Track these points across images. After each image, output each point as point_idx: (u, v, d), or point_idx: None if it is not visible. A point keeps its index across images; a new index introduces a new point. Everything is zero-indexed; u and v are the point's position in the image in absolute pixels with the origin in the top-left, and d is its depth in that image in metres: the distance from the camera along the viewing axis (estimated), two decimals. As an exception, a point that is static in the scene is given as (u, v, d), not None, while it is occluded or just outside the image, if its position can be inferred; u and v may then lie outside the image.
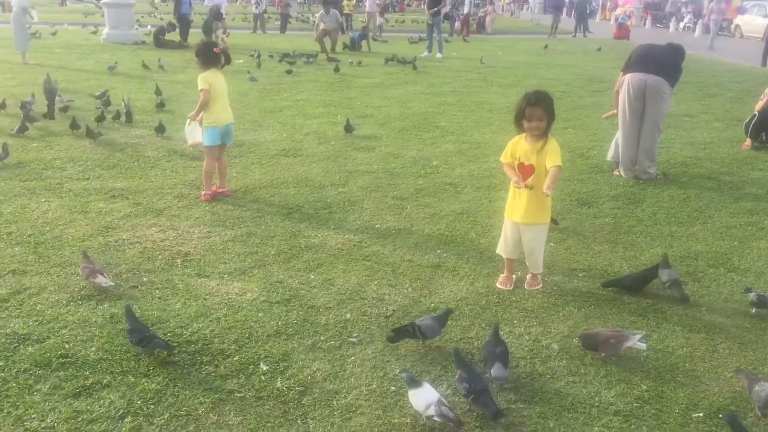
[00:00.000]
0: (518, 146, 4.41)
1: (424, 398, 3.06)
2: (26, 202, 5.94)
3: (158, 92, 11.02)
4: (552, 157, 4.23)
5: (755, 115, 8.72)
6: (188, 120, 6.30)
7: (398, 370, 3.44)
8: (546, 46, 22.68)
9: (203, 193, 6.26)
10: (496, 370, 3.35)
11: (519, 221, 4.46)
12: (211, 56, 6.14)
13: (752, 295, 4.20)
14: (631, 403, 3.32)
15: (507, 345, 3.59)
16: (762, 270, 4.93)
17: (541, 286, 4.59)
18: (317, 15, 19.86)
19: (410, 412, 3.17)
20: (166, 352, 3.55)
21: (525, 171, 4.37)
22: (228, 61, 6.32)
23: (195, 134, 6.35)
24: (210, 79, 6.07)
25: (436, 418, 2.98)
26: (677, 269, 4.68)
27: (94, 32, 22.59)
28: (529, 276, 4.63)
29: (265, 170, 7.23)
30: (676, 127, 9.73)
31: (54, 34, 21.51)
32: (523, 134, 4.39)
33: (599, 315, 4.20)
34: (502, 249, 4.65)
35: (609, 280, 4.62)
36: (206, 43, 6.42)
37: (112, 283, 4.31)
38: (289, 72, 14.81)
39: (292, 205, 6.13)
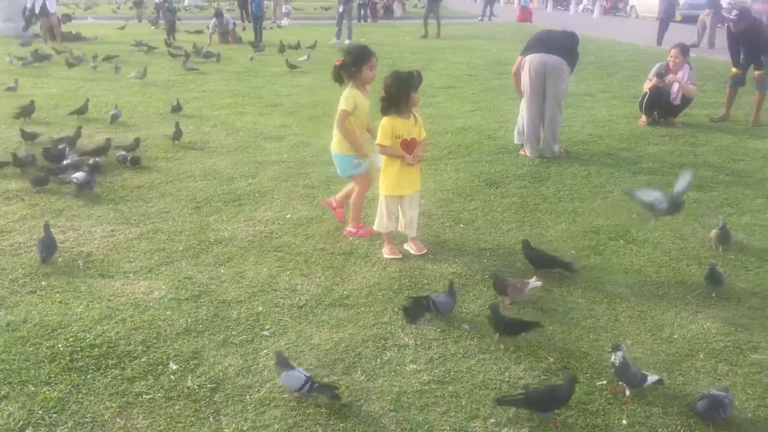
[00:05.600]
0: (396, 126, 4.66)
1: None
2: None
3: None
4: (423, 129, 4.81)
5: (646, 93, 9.11)
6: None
7: None
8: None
9: (350, 229, 5.25)
10: None
11: (409, 193, 4.81)
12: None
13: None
14: (539, 376, 3.43)
15: None
16: (658, 240, 5.17)
17: (425, 249, 4.92)
18: (210, 24, 18.65)
19: (324, 402, 3.17)
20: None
21: (409, 145, 4.72)
22: None
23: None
24: None
25: None
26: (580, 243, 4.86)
27: None
28: (412, 244, 4.93)
29: (171, 164, 7.02)
30: (577, 106, 10.07)
31: None
32: (393, 115, 4.65)
33: (508, 292, 4.31)
34: (383, 226, 4.87)
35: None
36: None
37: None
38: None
39: (200, 198, 5.98)
